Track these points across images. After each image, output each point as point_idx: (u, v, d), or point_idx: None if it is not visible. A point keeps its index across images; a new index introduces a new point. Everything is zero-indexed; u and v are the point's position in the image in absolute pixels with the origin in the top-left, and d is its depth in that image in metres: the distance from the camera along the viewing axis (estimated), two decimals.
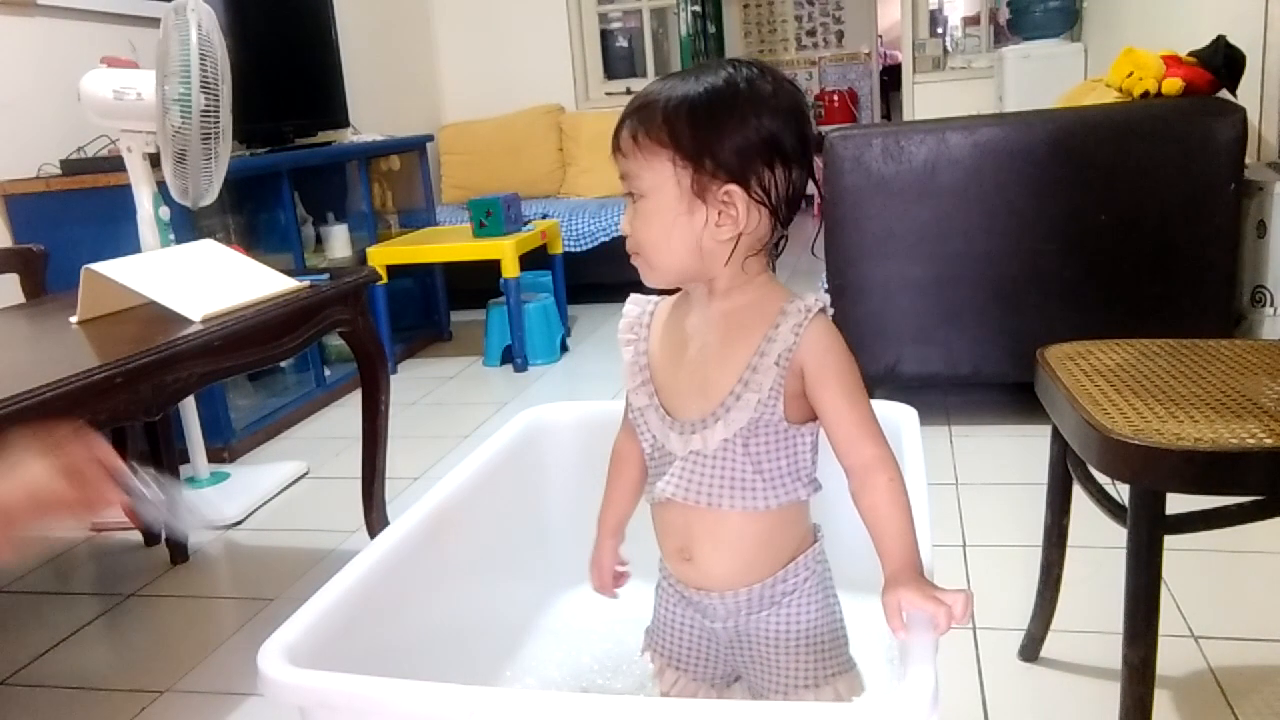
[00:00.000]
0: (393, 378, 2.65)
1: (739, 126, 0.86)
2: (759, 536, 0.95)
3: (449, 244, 3.54)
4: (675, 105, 0.87)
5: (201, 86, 2.08)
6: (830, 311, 0.92)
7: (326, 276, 1.94)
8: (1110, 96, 2.53)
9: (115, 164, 2.38)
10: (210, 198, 2.26)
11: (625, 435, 1.08)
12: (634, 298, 1.03)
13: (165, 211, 2.29)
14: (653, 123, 0.87)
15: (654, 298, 1.02)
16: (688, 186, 0.87)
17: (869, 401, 0.92)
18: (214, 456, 2.59)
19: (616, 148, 0.91)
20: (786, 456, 0.93)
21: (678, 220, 0.88)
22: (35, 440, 0.80)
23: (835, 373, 0.90)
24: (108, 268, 1.68)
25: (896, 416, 1.27)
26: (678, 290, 0.99)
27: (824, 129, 6.68)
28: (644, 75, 6.10)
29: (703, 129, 0.86)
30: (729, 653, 1.03)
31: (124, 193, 2.29)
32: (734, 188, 0.87)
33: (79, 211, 2.56)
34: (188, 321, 1.58)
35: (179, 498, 0.86)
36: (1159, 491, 1.07)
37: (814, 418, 0.93)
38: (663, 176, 0.87)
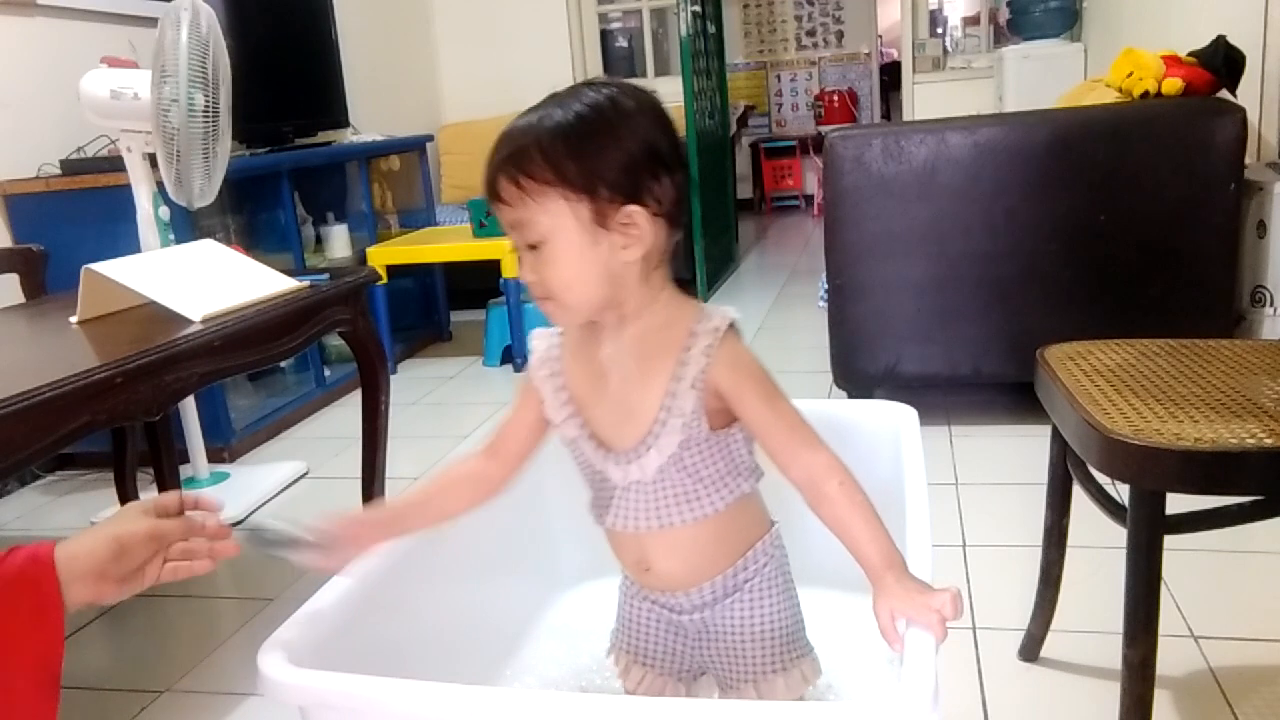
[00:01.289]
0: (393, 378, 2.65)
1: (618, 144, 0.85)
2: (713, 536, 0.97)
3: (449, 244, 3.54)
4: (550, 140, 0.84)
5: (197, 86, 2.08)
6: (737, 326, 0.92)
7: (326, 276, 1.94)
8: (1110, 96, 2.53)
9: (115, 164, 2.38)
10: (207, 199, 2.25)
11: (482, 458, 1.03)
12: (538, 333, 1.01)
13: (165, 211, 2.29)
14: (533, 164, 0.84)
15: (557, 329, 1.00)
16: (587, 219, 0.84)
17: (793, 406, 0.92)
18: (214, 456, 2.59)
19: (497, 198, 0.87)
20: (723, 459, 0.94)
21: (584, 254, 0.85)
22: (145, 502, 0.90)
23: (752, 388, 0.90)
24: (108, 268, 1.68)
25: (896, 416, 1.27)
26: None
27: (824, 129, 6.70)
28: (644, 75, 6.10)
29: (585, 156, 0.84)
30: (696, 646, 1.04)
31: (124, 193, 2.30)
32: (633, 208, 0.85)
33: (79, 211, 2.56)
34: (188, 321, 1.58)
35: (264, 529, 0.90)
36: (1159, 491, 1.07)
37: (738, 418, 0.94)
38: (559, 216, 0.84)
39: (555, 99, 0.88)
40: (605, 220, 0.85)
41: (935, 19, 6.23)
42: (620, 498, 0.96)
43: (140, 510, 0.89)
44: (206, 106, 2.11)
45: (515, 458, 1.04)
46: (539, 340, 1.01)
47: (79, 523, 2.39)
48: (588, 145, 0.84)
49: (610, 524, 0.97)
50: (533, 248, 0.86)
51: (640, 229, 0.86)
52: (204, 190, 2.22)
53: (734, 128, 6.06)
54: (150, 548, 0.86)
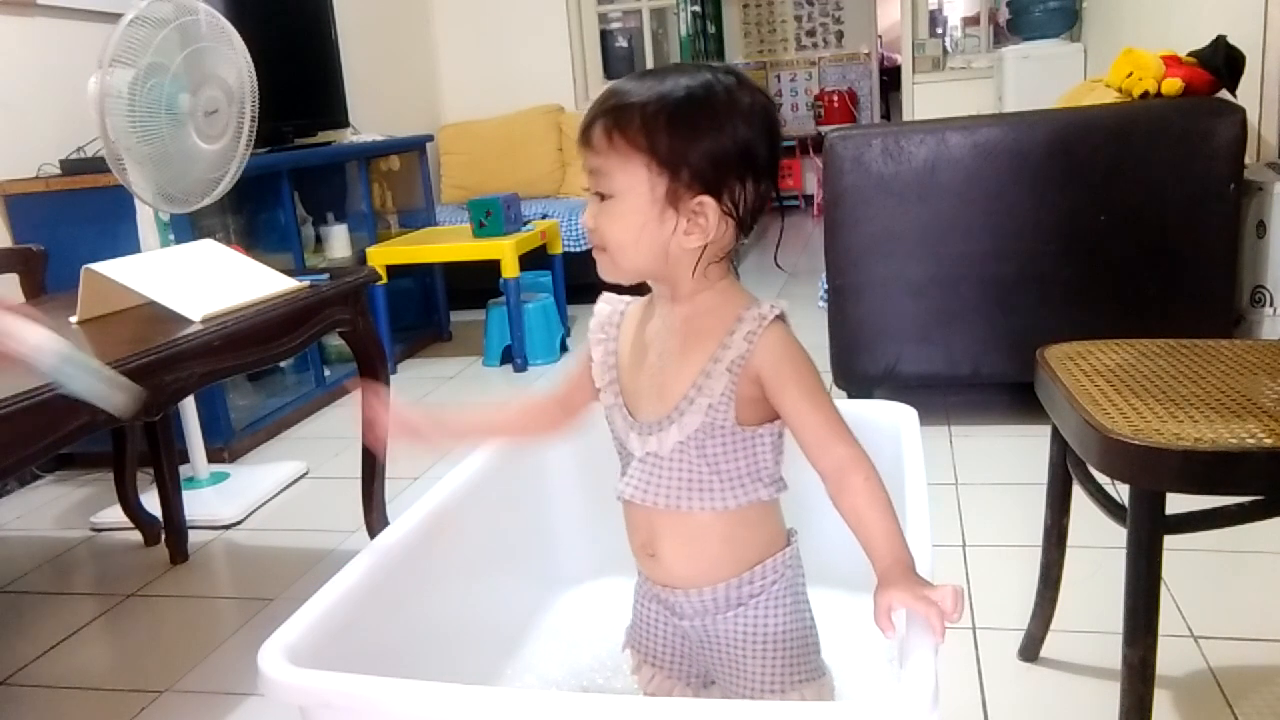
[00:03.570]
0: (393, 378, 2.65)
1: (716, 137, 0.86)
2: (720, 535, 0.97)
3: (449, 244, 3.54)
4: (655, 109, 0.85)
5: (163, 85, 2.05)
6: (786, 318, 0.93)
7: (326, 276, 1.94)
8: (1110, 96, 2.53)
9: None
10: (178, 207, 2.20)
11: (550, 402, 1.08)
12: (606, 296, 1.03)
13: (165, 211, 2.29)
14: (631, 124, 0.86)
15: (626, 298, 1.03)
16: (661, 194, 0.86)
17: (832, 402, 0.92)
18: (214, 456, 2.59)
19: (587, 142, 0.89)
20: (745, 457, 0.94)
21: (647, 224, 0.87)
22: None
23: (792, 378, 0.90)
24: (108, 268, 1.68)
25: (896, 416, 1.27)
26: (648, 291, 1.00)
27: (824, 129, 6.69)
28: None
29: (681, 137, 0.85)
30: (700, 652, 1.04)
31: (124, 193, 2.29)
32: (707, 199, 0.86)
33: (79, 211, 2.56)
34: (188, 321, 1.58)
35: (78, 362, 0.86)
36: (1159, 491, 1.07)
37: (771, 419, 0.94)
38: (636, 180, 0.86)
39: (678, 70, 0.89)
40: (677, 202, 0.87)
41: (935, 19, 6.23)
42: (635, 468, 0.96)
43: None
44: (192, 110, 2.08)
45: (577, 409, 1.08)
46: (604, 304, 1.03)
47: (79, 522, 2.39)
48: (688, 126, 0.85)
49: (621, 491, 0.98)
50: (602, 198, 0.89)
51: (708, 221, 0.87)
52: (170, 197, 2.16)
53: None
54: None
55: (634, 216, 0.87)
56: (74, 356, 0.85)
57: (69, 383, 0.86)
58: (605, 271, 0.93)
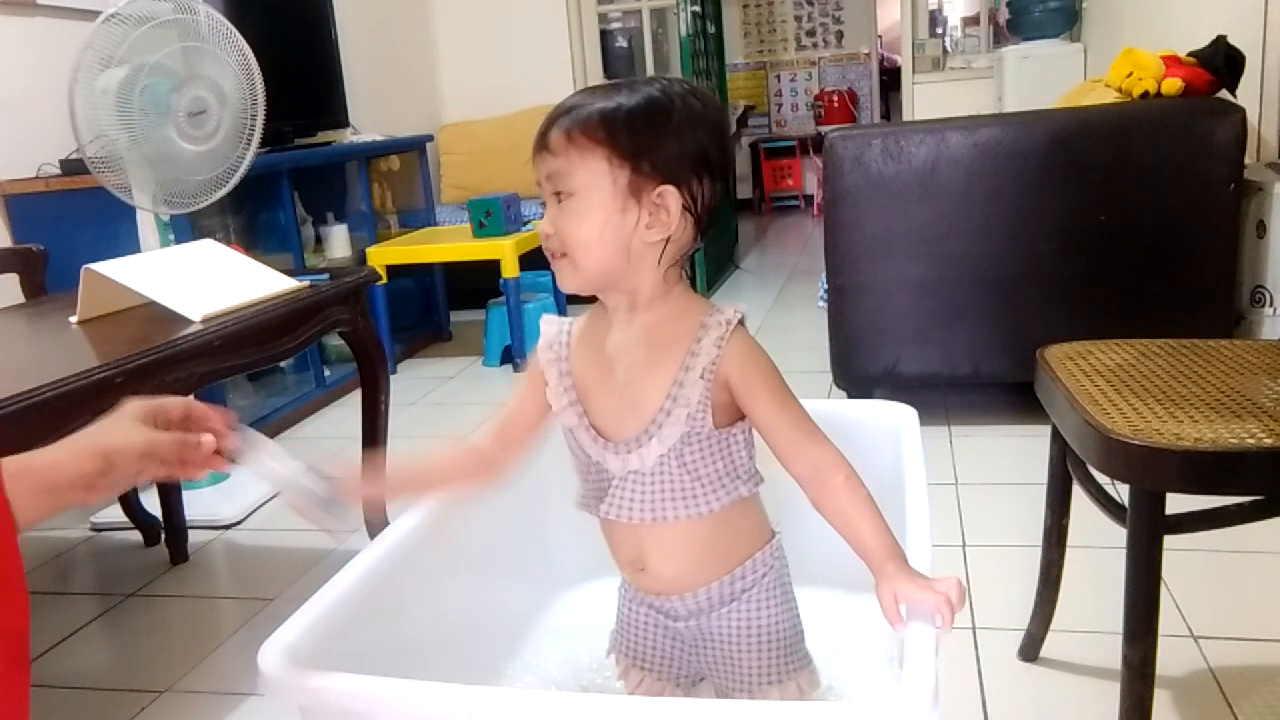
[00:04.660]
0: (393, 378, 2.64)
1: (674, 136, 0.87)
2: (706, 538, 0.97)
3: (449, 244, 3.54)
4: (612, 110, 0.87)
5: (161, 82, 2.04)
6: (744, 322, 0.94)
7: (326, 276, 1.94)
8: (1110, 96, 2.53)
9: None
10: (161, 206, 2.20)
11: (487, 442, 1.05)
12: (548, 318, 1.02)
13: (165, 211, 2.29)
14: (590, 123, 0.87)
15: (568, 318, 1.01)
16: (623, 185, 0.87)
17: (800, 404, 0.92)
18: None
19: (544, 147, 0.89)
20: (722, 459, 0.94)
21: (610, 218, 0.87)
22: (144, 406, 0.85)
23: (761, 381, 0.91)
24: (108, 268, 1.68)
25: (896, 416, 1.27)
26: (591, 306, 0.98)
27: (824, 129, 6.69)
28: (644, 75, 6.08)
29: (640, 133, 0.86)
30: (693, 652, 1.04)
31: None
32: (668, 188, 0.87)
33: (79, 211, 2.56)
34: (188, 321, 1.58)
35: (305, 480, 0.89)
36: (1159, 491, 1.07)
37: (742, 417, 0.94)
38: (597, 174, 0.87)
39: (629, 82, 0.90)
40: (639, 193, 0.87)
41: (935, 19, 6.23)
42: (617, 488, 0.95)
43: (136, 416, 0.83)
44: (173, 109, 2.07)
45: (519, 444, 1.05)
46: (549, 325, 1.01)
47: (79, 522, 2.39)
48: (646, 126, 0.87)
49: (605, 513, 0.97)
50: (561, 200, 0.88)
51: (669, 213, 0.88)
52: (159, 198, 2.15)
53: (734, 128, 6.06)
54: (140, 465, 0.81)
55: (596, 212, 0.87)
56: (306, 480, 0.90)
57: (296, 497, 0.90)
58: (565, 279, 0.91)
